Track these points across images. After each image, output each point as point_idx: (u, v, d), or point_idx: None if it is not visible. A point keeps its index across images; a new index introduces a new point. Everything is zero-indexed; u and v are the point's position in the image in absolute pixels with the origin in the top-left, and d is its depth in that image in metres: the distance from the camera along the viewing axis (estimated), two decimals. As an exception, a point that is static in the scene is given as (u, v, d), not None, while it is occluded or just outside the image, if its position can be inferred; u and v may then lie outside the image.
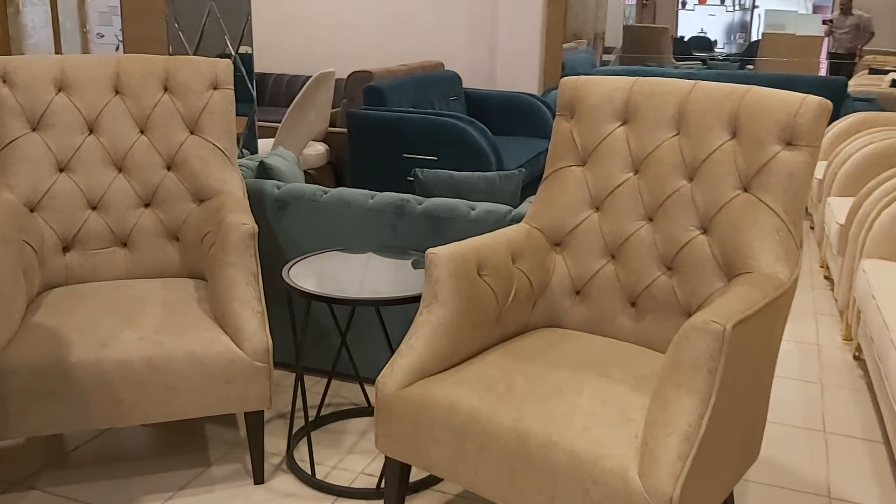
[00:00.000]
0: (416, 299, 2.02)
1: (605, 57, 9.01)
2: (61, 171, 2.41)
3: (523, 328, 2.10)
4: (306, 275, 2.20)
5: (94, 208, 2.43)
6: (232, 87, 2.56)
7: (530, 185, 4.91)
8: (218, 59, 2.57)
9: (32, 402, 1.89)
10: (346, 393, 2.68)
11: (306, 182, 2.61)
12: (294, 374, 2.74)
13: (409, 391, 1.80)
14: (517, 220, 2.43)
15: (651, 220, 2.04)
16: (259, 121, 5.42)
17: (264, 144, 4.26)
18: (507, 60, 6.13)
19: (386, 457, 1.88)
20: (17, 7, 3.14)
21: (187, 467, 2.23)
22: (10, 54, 3.18)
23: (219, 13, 3.31)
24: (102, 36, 3.14)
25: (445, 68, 5.92)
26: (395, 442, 1.83)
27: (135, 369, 1.95)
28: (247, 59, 3.43)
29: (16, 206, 2.29)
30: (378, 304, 2.01)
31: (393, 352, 2.44)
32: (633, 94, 2.10)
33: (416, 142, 4.28)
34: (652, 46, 10.04)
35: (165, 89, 2.51)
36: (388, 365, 1.84)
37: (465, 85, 5.72)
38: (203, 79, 2.52)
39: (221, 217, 2.24)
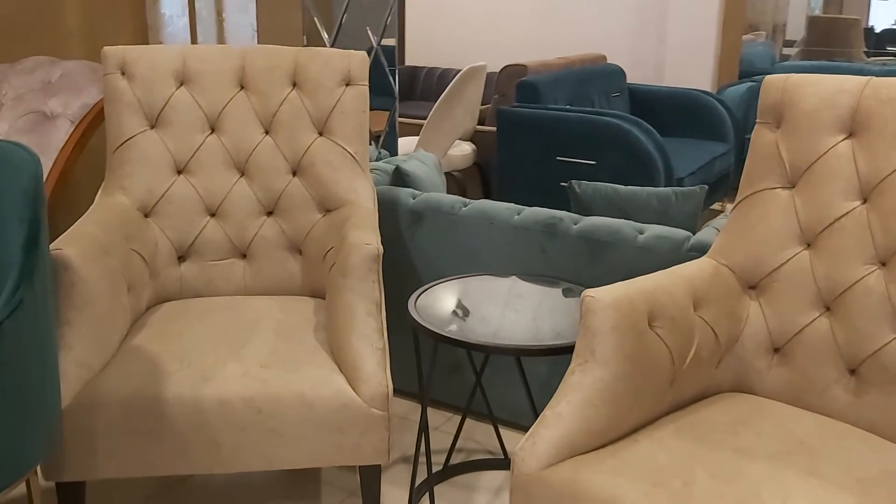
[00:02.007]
0: (567, 350, 1.64)
1: (786, 51, 8.19)
2: (179, 173, 2.19)
3: (703, 393, 1.67)
4: (436, 305, 1.86)
5: (212, 215, 2.20)
6: (367, 83, 2.26)
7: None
8: (352, 51, 2.28)
9: (123, 440, 1.66)
10: (480, 436, 2.33)
11: (450, 185, 2.29)
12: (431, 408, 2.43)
13: (554, 472, 1.42)
14: (697, 249, 1.99)
15: (884, 264, 1.56)
16: (408, 117, 5.17)
17: (408, 142, 3.98)
18: (677, 53, 5.57)
19: (522, 548, 1.51)
20: (157, -6, 2.99)
21: (295, 517, 1.95)
22: (148, 44, 3.04)
23: (361, 3, 3.03)
24: (236, 26, 2.94)
25: (608, 62, 5.45)
26: (535, 533, 1.45)
27: (236, 410, 1.67)
28: (389, 52, 3.13)
29: (129, 210, 2.09)
30: (518, 354, 1.64)
31: (533, 403, 2.06)
32: (864, 98, 1.61)
33: (572, 143, 3.86)
34: (840, 39, 9.06)
35: (294, 85, 2.24)
36: (528, 435, 1.47)
37: (629, 80, 5.22)
38: (335, 73, 2.23)
39: (345, 233, 1.94)
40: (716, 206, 4.94)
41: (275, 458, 1.71)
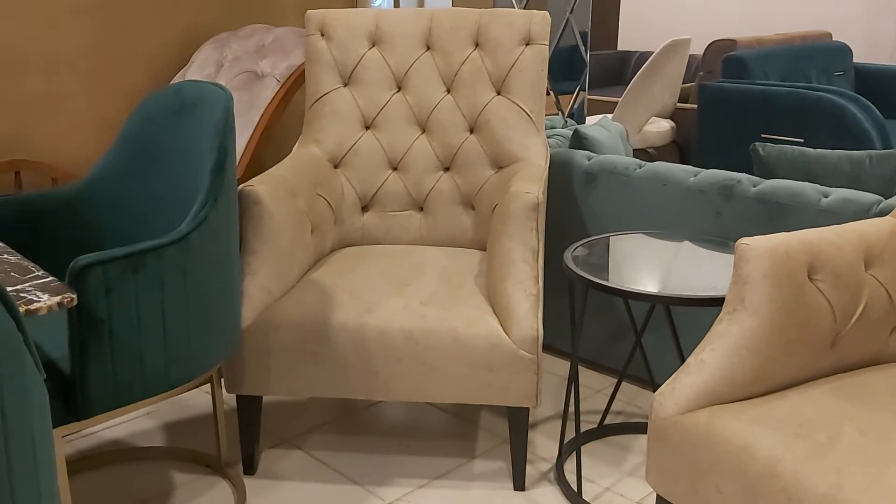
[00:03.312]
0: (717, 302, 1.58)
1: None
2: (367, 128, 2.34)
3: (873, 360, 1.55)
4: (594, 259, 1.87)
5: (394, 168, 2.34)
6: (546, 42, 2.29)
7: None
8: (534, 11, 2.31)
9: (294, 361, 1.83)
10: (642, 401, 2.29)
11: (648, 161, 2.23)
12: (593, 371, 2.43)
13: (690, 418, 1.39)
14: (886, 213, 1.83)
15: None
16: (612, 98, 5.10)
17: (603, 118, 3.94)
18: (916, 30, 5.06)
19: (657, 495, 1.49)
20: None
21: (451, 454, 2.03)
22: (356, 17, 3.25)
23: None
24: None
25: (833, 39, 5.05)
26: (669, 479, 1.43)
27: (394, 341, 1.78)
28: (582, 36, 3.12)
29: (320, 160, 2.27)
30: (663, 303, 1.60)
31: (682, 357, 2.01)
32: None
33: (778, 120, 3.65)
34: None
35: (476, 45, 2.32)
36: (669, 380, 1.45)
37: (859, 59, 4.81)
38: (515, 33, 2.28)
39: (509, 185, 1.99)
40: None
41: (427, 391, 1.80)
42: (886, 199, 1.91)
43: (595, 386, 2.38)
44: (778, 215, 2.00)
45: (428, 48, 2.35)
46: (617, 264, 1.85)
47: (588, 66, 3.09)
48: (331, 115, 2.32)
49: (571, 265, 1.79)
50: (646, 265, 1.84)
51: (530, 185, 1.91)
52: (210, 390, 2.31)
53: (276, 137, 2.82)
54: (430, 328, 1.78)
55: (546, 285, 2.52)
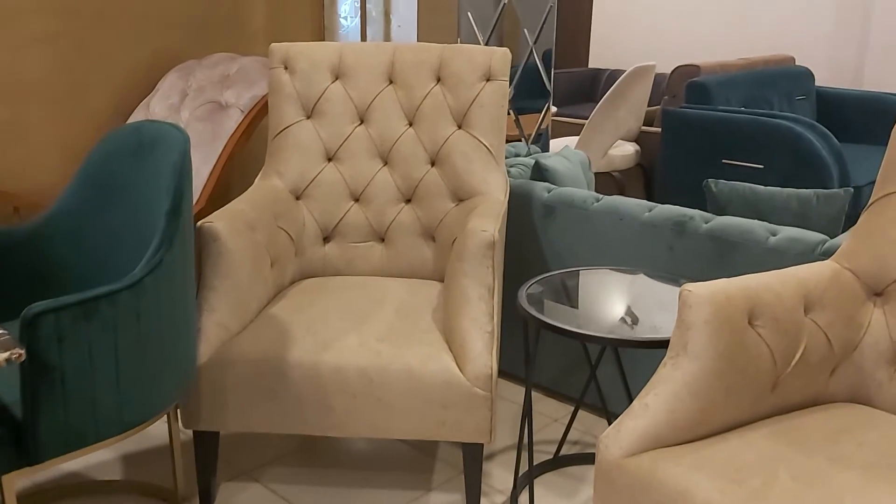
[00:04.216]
0: (662, 344, 1.63)
1: None
2: (329, 160, 2.37)
3: (813, 401, 1.60)
4: (548, 297, 1.90)
5: (356, 200, 2.36)
6: (507, 78, 2.33)
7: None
8: (494, 47, 2.36)
9: (250, 397, 1.84)
10: (598, 431, 2.33)
11: (609, 185, 2.28)
12: (550, 398, 2.47)
13: (634, 462, 1.42)
14: (831, 253, 1.89)
15: None
16: (582, 118, 5.16)
17: (570, 141, 4.00)
18: (879, 56, 5.18)
19: (603, 534, 1.52)
20: (333, -3, 3.22)
21: (408, 487, 2.06)
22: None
23: (517, 8, 3.10)
24: (400, 26, 3.11)
25: (797, 63, 5.16)
26: (613, 520, 1.46)
27: (349, 378, 1.81)
28: (547, 54, 3.17)
29: (281, 192, 2.29)
30: (611, 345, 1.64)
31: (630, 395, 2.05)
32: None
33: (739, 146, 3.72)
34: None
35: (438, 79, 2.36)
36: (615, 423, 1.48)
37: (822, 83, 4.92)
38: (476, 69, 2.32)
39: (468, 220, 2.03)
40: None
41: (382, 427, 1.83)
42: (832, 238, 1.97)
43: (552, 414, 2.42)
44: (728, 252, 2.05)
45: (390, 82, 2.38)
46: (570, 302, 1.88)
47: (552, 94, 3.14)
48: (293, 147, 2.35)
49: (525, 304, 1.83)
50: (599, 303, 1.88)
51: (487, 223, 1.94)
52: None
53: (242, 163, 2.84)
54: (385, 366, 1.80)
55: (505, 313, 2.55)
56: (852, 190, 2.06)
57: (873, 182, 3.81)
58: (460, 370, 1.80)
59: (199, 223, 1.91)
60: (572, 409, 2.44)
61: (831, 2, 5.38)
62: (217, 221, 1.92)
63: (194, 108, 2.57)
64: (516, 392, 2.54)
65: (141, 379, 1.52)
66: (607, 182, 3.96)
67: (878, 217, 1.63)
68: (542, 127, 3.36)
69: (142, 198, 1.72)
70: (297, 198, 2.34)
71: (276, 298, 2.10)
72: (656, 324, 1.76)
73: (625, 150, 4.02)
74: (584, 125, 4.05)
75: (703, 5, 5.97)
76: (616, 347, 2.02)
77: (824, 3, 5.40)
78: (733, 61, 4.62)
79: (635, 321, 1.77)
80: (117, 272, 1.77)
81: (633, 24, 6.42)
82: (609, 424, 2.22)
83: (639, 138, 4.18)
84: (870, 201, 1.67)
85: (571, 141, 4.01)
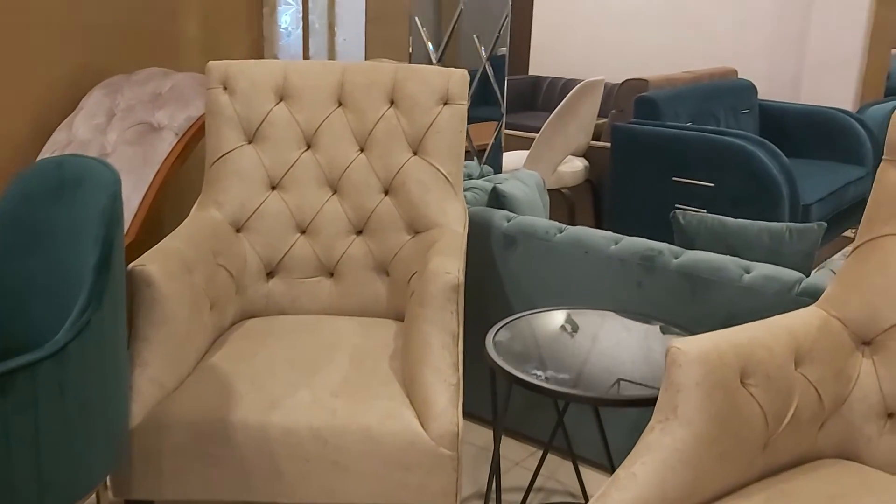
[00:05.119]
0: (649, 402, 1.51)
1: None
2: (273, 188, 2.19)
3: (801, 458, 1.50)
4: (518, 341, 1.77)
5: (302, 232, 2.19)
6: (465, 101, 2.19)
7: (832, 223, 4.07)
8: (452, 69, 2.22)
9: (189, 463, 1.66)
10: (563, 475, 2.21)
11: (558, 203, 2.16)
12: (513, 440, 2.34)
13: (622, 539, 1.30)
14: (809, 294, 1.81)
15: None
16: (527, 127, 5.07)
17: (519, 156, 3.89)
18: (816, 68, 5.23)
19: None
20: (273, 7, 3.03)
21: (364, 547, 1.90)
22: (263, 55, 3.09)
23: (474, 14, 2.97)
24: (345, 40, 2.94)
25: (739, 76, 5.17)
26: None
27: (301, 440, 1.64)
28: (500, 62, 3.04)
29: (220, 225, 2.11)
30: (595, 404, 1.52)
31: (609, 456, 1.94)
32: None
33: (690, 164, 3.66)
34: None
35: (391, 102, 2.20)
36: (599, 495, 1.36)
37: (762, 96, 4.93)
38: (432, 92, 2.18)
39: (428, 259, 1.88)
40: (848, 233, 4.58)
41: (338, 492, 1.67)
42: (807, 276, 1.89)
43: (514, 457, 2.29)
44: (700, 289, 1.96)
45: (340, 104, 2.22)
46: (541, 350, 1.76)
47: (504, 114, 3.02)
48: (233, 174, 2.16)
49: (493, 354, 1.69)
50: (572, 351, 1.75)
51: (450, 263, 1.80)
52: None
53: (177, 190, 2.63)
54: (341, 425, 1.64)
55: (466, 350, 2.41)
56: (825, 225, 1.99)
57: (821, 199, 3.81)
58: (423, 428, 1.65)
59: (130, 267, 1.71)
60: (536, 450, 2.32)
61: (770, 14, 5.41)
62: (150, 264, 1.73)
63: (123, 129, 2.36)
64: (478, 434, 2.40)
65: (65, 460, 1.32)
66: (558, 199, 3.86)
67: (865, 263, 1.55)
68: (497, 135, 3.22)
69: (65, 246, 1.52)
70: (238, 230, 2.15)
71: (216, 345, 1.92)
72: (638, 376, 1.64)
73: (574, 167, 3.93)
74: (531, 138, 3.95)
75: (643, 16, 5.95)
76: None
77: (763, 15, 5.43)
78: (679, 75, 4.58)
79: (614, 373, 1.65)
80: (37, 329, 1.57)
81: (573, 33, 6.36)
82: (575, 468, 2.10)
83: (587, 153, 4.10)
84: (855, 244, 1.58)
85: (519, 155, 3.89)
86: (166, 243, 1.87)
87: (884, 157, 1.57)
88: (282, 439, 1.64)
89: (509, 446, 2.34)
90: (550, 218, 2.84)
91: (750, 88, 4.78)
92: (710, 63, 5.52)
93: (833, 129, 4.55)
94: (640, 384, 1.61)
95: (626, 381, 1.62)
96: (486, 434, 2.39)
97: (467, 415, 2.49)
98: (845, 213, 4.21)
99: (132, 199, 2.24)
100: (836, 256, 1.97)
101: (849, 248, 1.61)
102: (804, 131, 4.66)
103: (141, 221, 2.26)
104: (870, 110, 4.94)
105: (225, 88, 2.18)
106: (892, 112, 4.54)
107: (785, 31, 5.36)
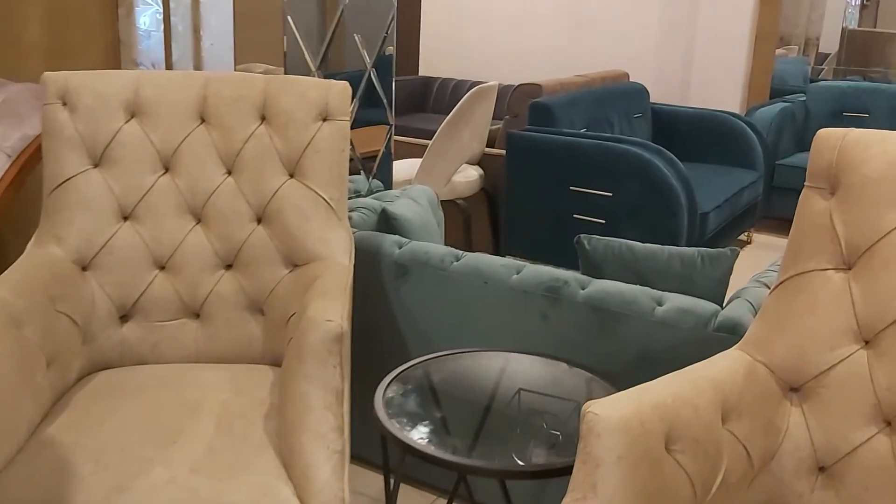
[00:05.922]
0: (564, 472, 1.32)
1: (817, 67, 7.79)
2: (125, 219, 1.89)
3: (731, 524, 1.34)
4: (411, 397, 1.55)
5: (161, 268, 1.90)
6: (348, 117, 1.96)
7: (728, 229, 4.04)
8: (332, 81, 1.97)
9: (17, 563, 1.37)
10: (467, 529, 2.01)
11: (454, 214, 1.97)
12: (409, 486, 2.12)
13: None
14: (726, 328, 1.66)
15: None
16: (417, 130, 4.86)
17: (410, 165, 3.66)
18: (704, 71, 5.24)
19: None
20: (129, 7, 2.71)
21: None
22: (119, 61, 2.76)
23: (356, 13, 2.72)
24: (212, 44, 2.65)
25: (630, 79, 5.11)
26: None
27: (156, 529, 1.37)
28: (387, 61, 2.79)
29: (61, 263, 1.80)
30: (501, 478, 1.32)
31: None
32: (945, 164, 1.28)
33: (587, 172, 3.54)
34: (874, 56, 8.64)
35: (262, 118, 1.94)
36: (509, 592, 1.15)
37: (653, 99, 4.89)
38: (310, 106, 1.93)
39: (307, 301, 1.64)
40: (742, 237, 4.59)
41: (204, 586, 1.41)
42: (721, 305, 1.76)
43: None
44: (610, 323, 1.79)
45: (203, 121, 1.94)
46: (439, 408, 1.54)
47: (393, 124, 2.79)
48: (76, 204, 1.86)
49: (384, 417, 1.46)
50: (473, 408, 1.55)
51: (332, 307, 1.56)
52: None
53: (12, 221, 2.28)
54: (205, 509, 1.38)
55: (354, 381, 2.17)
56: (738, 251, 1.86)
57: (718, 207, 3.76)
58: (303, 506, 1.41)
59: (-65, 327, 1.40)
60: (434, 499, 2.11)
61: (658, 16, 5.39)
62: (-36, 323, 1.42)
63: (-58, 151, 2.00)
64: (369, 481, 2.17)
65: None
66: (452, 211, 3.67)
67: (791, 302, 1.41)
68: (384, 152, 2.98)
69: None
70: (84, 269, 1.85)
71: (57, 409, 1.62)
72: (546, 434, 1.45)
73: (469, 176, 3.75)
74: (423, 144, 3.74)
75: (532, 16, 5.84)
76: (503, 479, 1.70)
77: (652, 17, 5.41)
78: (572, 78, 4.47)
79: (521, 432, 1.45)
80: None
81: (463, 34, 6.20)
82: (479, 523, 1.90)
83: (482, 161, 3.92)
84: (778, 280, 1.44)
85: (411, 164, 3.67)
86: (-12, 293, 1.56)
87: (806, 183, 1.43)
88: (131, 532, 1.36)
89: (404, 494, 2.12)
90: (446, 232, 2.64)
91: (642, 92, 4.73)
92: (602, 66, 5.46)
93: (724, 132, 4.54)
94: (551, 446, 1.42)
95: (535, 443, 1.42)
96: (378, 482, 2.17)
97: (357, 459, 2.25)
98: (740, 218, 4.20)
99: (-46, 233, 1.89)
100: (749, 283, 1.84)
101: (773, 282, 1.46)
102: (695, 135, 4.64)
103: (-34, 259, 1.92)
104: (757, 113, 4.98)
105: (64, 104, 1.87)
106: (779, 113, 4.48)
107: (673, 34, 5.35)
